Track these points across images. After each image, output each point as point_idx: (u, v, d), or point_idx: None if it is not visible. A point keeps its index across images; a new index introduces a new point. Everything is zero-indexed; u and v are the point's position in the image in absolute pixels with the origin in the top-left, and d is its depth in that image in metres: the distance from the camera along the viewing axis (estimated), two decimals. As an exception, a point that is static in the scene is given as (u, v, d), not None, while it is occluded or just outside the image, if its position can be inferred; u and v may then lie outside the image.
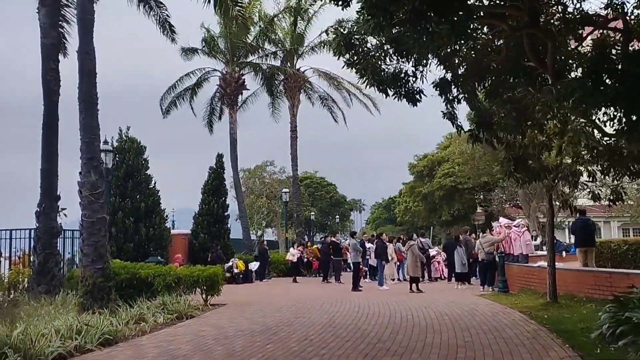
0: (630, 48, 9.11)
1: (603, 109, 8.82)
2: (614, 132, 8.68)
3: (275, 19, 34.49)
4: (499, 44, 10.43)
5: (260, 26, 34.63)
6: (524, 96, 10.39)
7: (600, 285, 12.85)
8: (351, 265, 23.98)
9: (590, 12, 9.73)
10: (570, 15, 9.48)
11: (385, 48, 9.24)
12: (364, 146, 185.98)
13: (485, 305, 13.43)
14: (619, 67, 7.76)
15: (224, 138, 34.13)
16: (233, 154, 33.88)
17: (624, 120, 8.76)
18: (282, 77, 36.08)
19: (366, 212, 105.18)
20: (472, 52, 10.33)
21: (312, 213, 57.83)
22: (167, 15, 19.18)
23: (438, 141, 52.92)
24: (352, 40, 9.48)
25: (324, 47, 35.94)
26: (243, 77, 34.80)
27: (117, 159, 23.44)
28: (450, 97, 9.85)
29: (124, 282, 13.94)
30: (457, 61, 10.28)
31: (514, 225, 17.87)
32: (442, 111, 10.17)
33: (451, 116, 10.11)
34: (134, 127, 30.72)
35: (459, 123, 10.18)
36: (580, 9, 9.48)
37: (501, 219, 19.69)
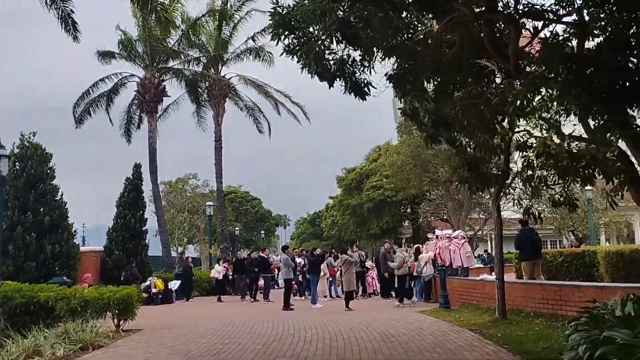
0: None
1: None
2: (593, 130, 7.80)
3: (199, 22, 32.73)
4: (450, 37, 9.54)
5: (182, 30, 32.76)
6: (479, 94, 9.51)
7: (549, 299, 12.15)
8: (279, 282, 22.68)
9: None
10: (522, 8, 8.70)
11: (331, 31, 8.03)
12: (290, 161, 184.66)
13: (431, 324, 12.41)
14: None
15: (144, 150, 31.94)
16: (152, 164, 31.66)
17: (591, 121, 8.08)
18: (206, 84, 34.27)
19: (291, 227, 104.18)
20: (419, 46, 9.33)
21: (236, 228, 55.84)
22: (71, 10, 16.97)
23: (366, 154, 52.66)
24: (293, 22, 8.22)
25: (251, 54, 34.57)
26: (164, 84, 32.70)
27: (16, 166, 20.90)
28: (406, 92, 8.77)
29: (17, 308, 11.90)
30: (407, 53, 9.25)
31: (454, 237, 17.09)
32: (399, 108, 9.09)
33: (413, 112, 9.03)
34: (52, 138, 28.09)
35: (421, 119, 9.13)
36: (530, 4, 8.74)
37: (439, 231, 18.94)
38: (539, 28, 9.04)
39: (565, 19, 8.69)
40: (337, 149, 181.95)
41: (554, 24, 8.87)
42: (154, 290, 23.36)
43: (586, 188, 32.14)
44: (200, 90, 34.84)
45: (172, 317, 17.06)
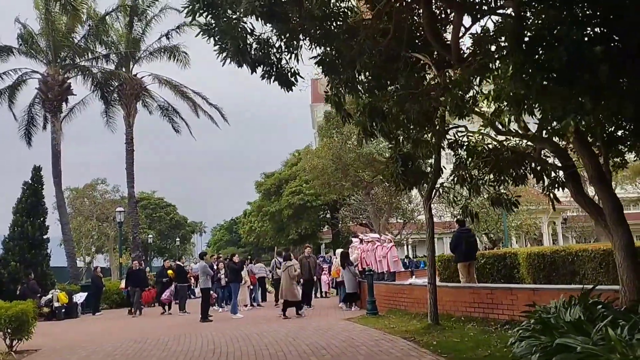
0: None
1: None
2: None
3: (108, 17, 30.77)
4: (385, 26, 8.91)
5: (90, 25, 30.65)
6: (417, 85, 8.93)
7: (480, 303, 11.80)
8: (195, 292, 21.33)
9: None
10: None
11: (255, 8, 7.13)
12: (207, 167, 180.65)
13: (361, 332, 11.72)
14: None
15: (49, 153, 29.46)
16: (56, 168, 29.28)
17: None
18: (117, 83, 32.21)
19: (207, 235, 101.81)
20: (349, 35, 8.63)
21: (150, 236, 53.37)
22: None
23: (284, 159, 51.95)
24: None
25: (165, 54, 32.94)
26: (69, 81, 30.39)
27: None
28: (337, 80, 8.03)
29: None
30: (337, 42, 8.52)
31: (381, 241, 16.57)
32: (325, 92, 8.33)
33: (337, 102, 8.29)
34: None
35: (346, 109, 8.41)
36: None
37: (364, 235, 18.41)
38: (471, 22, 8.61)
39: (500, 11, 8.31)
40: (256, 156, 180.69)
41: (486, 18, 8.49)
42: (56, 304, 21.35)
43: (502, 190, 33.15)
44: (110, 90, 32.71)
45: (76, 334, 15.42)
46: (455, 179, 10.56)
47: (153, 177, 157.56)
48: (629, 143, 8.21)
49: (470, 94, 8.28)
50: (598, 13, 6.29)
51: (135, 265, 22.57)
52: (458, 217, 14.20)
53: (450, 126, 9.89)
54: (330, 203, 40.56)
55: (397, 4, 8.74)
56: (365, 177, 29.55)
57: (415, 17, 9.38)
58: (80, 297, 22.77)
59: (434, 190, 11.60)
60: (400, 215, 38.37)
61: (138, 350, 11.11)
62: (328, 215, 45.26)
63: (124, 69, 31.87)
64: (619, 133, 8.14)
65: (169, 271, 21.23)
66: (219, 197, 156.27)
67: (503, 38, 6.01)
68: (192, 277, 24.95)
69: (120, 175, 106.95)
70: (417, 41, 9.30)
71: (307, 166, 30.92)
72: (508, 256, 17.51)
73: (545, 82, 5.77)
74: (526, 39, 5.85)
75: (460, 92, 7.59)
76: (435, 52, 9.58)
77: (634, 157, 9.25)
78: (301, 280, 17.15)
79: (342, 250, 18.24)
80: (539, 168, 9.60)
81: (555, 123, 6.42)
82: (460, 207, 10.81)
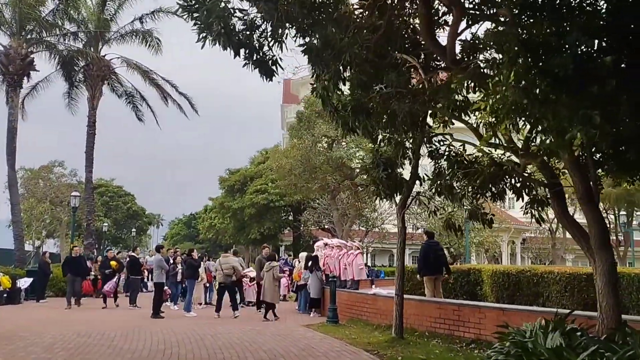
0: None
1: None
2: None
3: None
4: (375, 21, 8.42)
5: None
6: (406, 83, 8.47)
7: (446, 319, 11.41)
8: (148, 285, 20.43)
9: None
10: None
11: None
12: (169, 160, 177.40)
13: (321, 341, 11.19)
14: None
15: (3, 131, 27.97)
16: (10, 146, 27.86)
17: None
18: (84, 63, 30.95)
19: (164, 228, 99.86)
20: (337, 28, 8.11)
21: (105, 224, 51.73)
22: None
23: (251, 157, 51.10)
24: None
25: (136, 37, 31.83)
26: (32, 56, 29.00)
27: None
28: (323, 70, 7.50)
29: None
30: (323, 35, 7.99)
31: (348, 247, 16.07)
32: (311, 84, 7.80)
33: (324, 95, 7.76)
34: None
35: (333, 103, 7.88)
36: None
37: (329, 240, 17.90)
38: (465, 25, 8.21)
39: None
40: (221, 153, 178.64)
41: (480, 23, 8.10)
42: (-2, 289, 20.17)
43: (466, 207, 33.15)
44: (76, 69, 31.40)
45: (16, 322, 14.42)
46: (434, 188, 10.20)
47: (113, 166, 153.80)
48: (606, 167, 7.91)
49: (461, 98, 7.88)
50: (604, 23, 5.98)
51: (76, 251, 20.58)
52: (427, 229, 13.81)
53: (436, 132, 9.43)
54: (294, 205, 39.94)
55: (390, 0, 8.30)
56: (333, 181, 29.07)
57: (406, 17, 8.98)
58: (24, 283, 21.59)
59: (410, 199, 11.20)
60: (364, 223, 38.05)
61: (80, 345, 10.30)
62: (291, 218, 44.62)
63: (92, 49, 30.61)
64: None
65: (112, 262, 20.23)
66: (179, 191, 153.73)
67: (507, 44, 5.53)
68: (145, 270, 24.01)
69: (79, 161, 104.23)
70: (406, 41, 8.88)
71: (275, 165, 30.26)
72: (472, 272, 17.25)
73: (549, 91, 5.37)
74: (530, 45, 5.43)
75: (455, 96, 7.16)
76: (423, 56, 9.19)
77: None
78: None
79: (307, 253, 17.68)
80: (518, 185, 9.30)
81: (552, 138, 6.00)
82: (443, 218, 10.35)
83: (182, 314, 16.43)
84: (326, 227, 42.35)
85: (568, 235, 42.79)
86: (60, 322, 14.66)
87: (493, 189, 9.42)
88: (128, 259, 20.21)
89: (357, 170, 30.23)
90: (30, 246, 43.02)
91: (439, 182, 10.16)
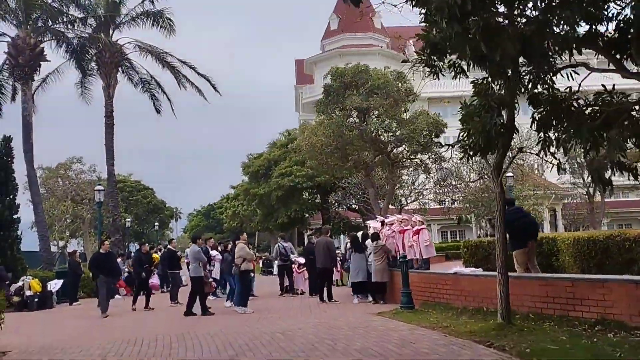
0: None
1: None
2: None
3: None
4: None
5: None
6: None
7: (555, 297, 9.67)
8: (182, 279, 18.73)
9: None
10: None
11: None
12: (181, 153, 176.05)
13: (412, 333, 9.50)
14: None
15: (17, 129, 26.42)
16: (27, 142, 26.40)
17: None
18: (95, 50, 29.29)
19: (183, 221, 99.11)
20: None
21: (127, 220, 50.50)
22: None
23: (269, 141, 49.44)
24: None
25: (148, 20, 30.11)
26: (42, 45, 27.41)
27: None
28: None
29: None
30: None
31: (411, 222, 14.33)
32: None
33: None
34: None
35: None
36: None
37: (392, 216, 16.16)
38: None
39: None
40: (230, 144, 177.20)
41: None
42: (28, 293, 18.82)
43: (508, 174, 31.30)
44: (88, 57, 29.76)
45: (53, 331, 12.96)
46: (540, 142, 8.41)
47: (127, 160, 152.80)
48: None
49: None
50: None
51: (105, 247, 16.86)
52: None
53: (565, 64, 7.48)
54: (322, 185, 38.33)
55: None
56: (368, 156, 27.31)
57: None
58: (55, 285, 20.25)
59: (505, 158, 9.39)
60: (396, 201, 36.34)
61: (137, 355, 8.74)
62: (318, 200, 43.00)
63: (102, 35, 28.92)
64: None
65: (155, 255, 18.60)
66: (192, 184, 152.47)
67: None
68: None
69: (96, 157, 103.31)
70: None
71: (304, 144, 28.50)
72: (545, 242, 15.55)
73: None
74: None
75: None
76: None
77: None
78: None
79: (363, 232, 15.95)
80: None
81: None
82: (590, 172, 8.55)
83: (231, 309, 14.83)
84: (354, 207, 40.74)
85: (606, 199, 40.67)
86: (101, 327, 13.21)
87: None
88: (165, 251, 18.69)
89: (391, 143, 28.49)
90: (54, 247, 41.82)
91: (545, 134, 8.41)
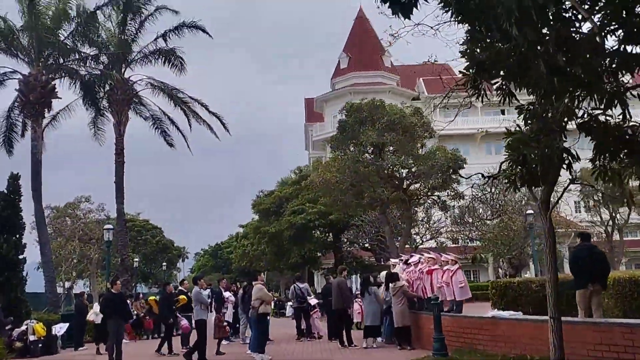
0: None
1: None
2: None
3: (99, 12, 27.73)
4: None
5: (78, 21, 27.61)
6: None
7: (611, 345, 8.72)
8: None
9: None
10: None
11: None
12: (187, 193, 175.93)
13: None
14: None
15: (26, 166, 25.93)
16: (36, 180, 25.86)
17: None
18: (107, 88, 29.00)
19: (190, 261, 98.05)
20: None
21: (135, 260, 49.60)
22: None
23: (278, 179, 48.98)
24: None
25: (160, 57, 29.86)
26: (53, 83, 27.15)
27: None
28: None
29: None
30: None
31: (443, 262, 13.44)
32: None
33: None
34: None
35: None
36: None
37: (416, 255, 15.30)
38: None
39: None
40: (238, 183, 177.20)
41: None
42: (32, 338, 17.77)
43: (528, 212, 30.37)
44: (99, 96, 29.47)
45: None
46: (596, 171, 7.63)
47: (135, 200, 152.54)
48: None
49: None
50: None
51: (117, 287, 14.87)
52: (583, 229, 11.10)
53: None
54: (335, 223, 37.46)
55: None
56: (384, 193, 26.53)
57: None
58: (60, 329, 19.23)
59: (553, 192, 8.59)
60: (411, 240, 35.37)
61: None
62: (330, 239, 42.05)
63: (114, 72, 28.67)
64: None
65: (182, 297, 17.40)
66: (198, 223, 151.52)
67: None
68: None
69: (105, 195, 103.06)
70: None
71: (318, 181, 27.84)
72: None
73: None
74: None
75: None
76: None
77: None
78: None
79: (387, 271, 15.11)
80: None
81: None
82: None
83: (246, 354, 13.85)
84: (367, 246, 39.75)
85: (625, 237, 39.51)
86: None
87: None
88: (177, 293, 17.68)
89: (407, 180, 27.80)
90: (60, 288, 40.88)
91: (598, 162, 7.63)
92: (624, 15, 5.12)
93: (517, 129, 7.10)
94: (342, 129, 26.92)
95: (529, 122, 7.80)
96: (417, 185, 27.53)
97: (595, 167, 7.69)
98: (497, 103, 7.57)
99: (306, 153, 72.22)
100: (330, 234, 41.34)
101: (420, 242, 35.16)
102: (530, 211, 29.68)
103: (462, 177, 8.40)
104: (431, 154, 25.83)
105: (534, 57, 5.23)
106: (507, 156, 7.72)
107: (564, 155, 7.01)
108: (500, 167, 9.01)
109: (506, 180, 8.04)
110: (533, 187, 8.27)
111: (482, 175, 8.76)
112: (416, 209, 30.72)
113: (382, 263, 35.36)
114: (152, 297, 21.27)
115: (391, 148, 26.33)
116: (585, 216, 44.86)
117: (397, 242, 29.10)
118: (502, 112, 60.02)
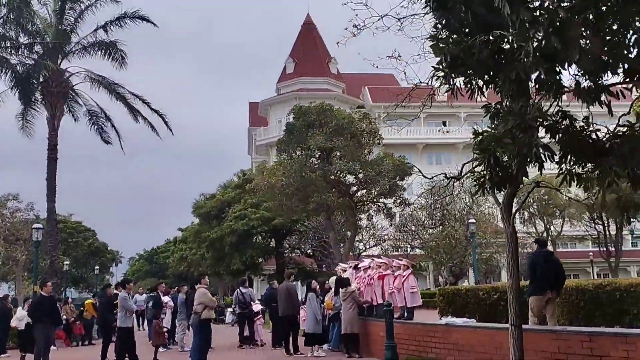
0: None
1: None
2: None
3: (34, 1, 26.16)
4: None
5: (11, 7, 25.92)
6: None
7: (569, 354, 8.54)
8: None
9: None
10: None
11: None
12: (121, 196, 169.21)
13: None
14: None
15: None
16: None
17: None
18: (41, 80, 27.31)
19: (124, 265, 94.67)
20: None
21: (65, 262, 47.20)
22: None
23: (219, 183, 47.78)
24: None
25: (99, 50, 28.42)
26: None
27: None
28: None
29: None
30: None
31: (394, 267, 13.06)
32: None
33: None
34: None
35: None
36: None
37: (362, 261, 14.92)
38: None
39: None
40: (175, 187, 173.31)
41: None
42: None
43: (470, 221, 30.72)
44: (32, 87, 27.70)
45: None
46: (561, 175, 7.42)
47: (68, 201, 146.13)
48: None
49: None
50: None
51: (48, 289, 13.66)
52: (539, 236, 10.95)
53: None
54: (278, 229, 36.82)
55: None
56: (331, 198, 26.15)
57: None
58: (-21, 335, 17.75)
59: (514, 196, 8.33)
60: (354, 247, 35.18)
61: None
62: (272, 244, 41.33)
63: (50, 63, 27.02)
64: None
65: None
66: (133, 227, 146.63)
67: None
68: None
69: (35, 195, 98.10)
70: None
71: (263, 184, 27.15)
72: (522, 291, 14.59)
73: None
74: None
75: None
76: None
77: None
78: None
79: (337, 276, 14.62)
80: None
81: None
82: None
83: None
84: (309, 252, 39.29)
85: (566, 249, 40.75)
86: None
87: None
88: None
89: (354, 186, 27.56)
90: (-19, 291, 38.35)
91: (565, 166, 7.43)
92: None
93: (481, 130, 6.80)
94: (289, 131, 26.39)
95: (495, 121, 7.56)
96: (364, 192, 27.29)
97: (561, 171, 7.50)
98: (466, 98, 7.24)
99: (249, 157, 71.26)
100: (273, 240, 40.63)
101: (364, 249, 35.03)
102: (472, 220, 30.07)
103: (425, 176, 8.02)
104: (379, 161, 25.66)
105: (525, 41, 4.87)
106: (476, 157, 7.41)
107: (542, 152, 6.71)
108: (461, 169, 8.74)
109: (475, 183, 7.74)
110: (501, 190, 8.03)
111: (445, 175, 8.42)
112: (361, 215, 30.51)
113: (324, 270, 35.00)
114: (89, 301, 19.96)
115: (338, 153, 26.01)
116: (521, 227, 46.11)
117: (341, 248, 28.75)
118: (444, 124, 61.47)
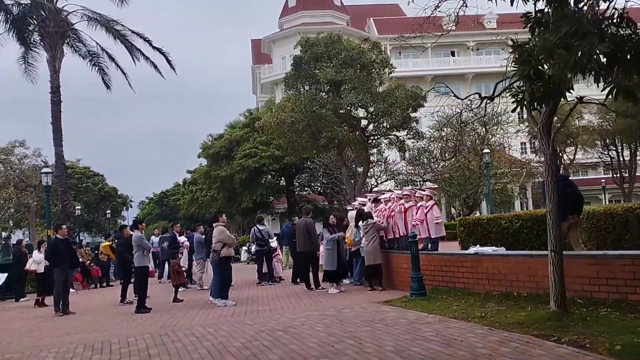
0: None
1: None
2: None
3: None
4: None
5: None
6: None
7: (609, 279, 8.21)
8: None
9: None
10: None
11: None
12: (129, 141, 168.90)
13: (446, 326, 7.84)
14: None
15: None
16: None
17: None
18: (39, 20, 26.31)
19: (134, 209, 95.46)
20: None
21: (77, 208, 47.32)
22: None
23: (226, 123, 47.06)
24: None
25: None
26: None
27: None
28: None
29: None
30: None
31: (417, 198, 12.64)
32: None
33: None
34: None
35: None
36: None
37: (380, 194, 14.50)
38: None
39: None
40: (181, 129, 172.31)
41: None
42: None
43: (485, 151, 30.16)
44: (30, 28, 26.75)
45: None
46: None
47: (73, 146, 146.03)
48: None
49: None
50: None
51: (63, 232, 13.77)
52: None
53: None
54: (288, 167, 36.45)
55: None
56: (342, 133, 25.54)
57: None
58: (-1, 279, 17.79)
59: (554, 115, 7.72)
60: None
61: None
62: (283, 183, 41.06)
63: (46, 1, 25.94)
64: None
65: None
66: (142, 172, 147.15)
67: None
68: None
69: (42, 141, 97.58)
70: None
71: (272, 122, 26.49)
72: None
73: None
74: None
75: None
76: None
77: None
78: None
79: (358, 209, 14.24)
80: None
81: None
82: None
83: (201, 301, 12.89)
84: (320, 190, 39.00)
85: (577, 176, 40.25)
86: (57, 329, 11.03)
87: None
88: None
89: (366, 119, 26.89)
90: (-4, 238, 38.65)
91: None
92: None
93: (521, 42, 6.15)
94: (297, 65, 25.49)
95: (536, 32, 6.87)
96: (375, 125, 26.62)
97: (609, 84, 6.88)
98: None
99: (254, 97, 70.11)
100: (283, 178, 40.32)
101: (376, 184, 34.68)
102: (487, 150, 29.50)
103: (458, 97, 7.40)
104: (391, 92, 24.85)
105: None
106: (515, 71, 6.78)
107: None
108: (494, 88, 8.14)
109: (513, 100, 7.13)
110: (542, 105, 7.40)
111: (479, 95, 7.83)
112: (372, 150, 29.97)
113: (336, 206, 34.82)
114: (106, 243, 19.83)
115: (348, 87, 25.19)
116: (533, 157, 45.46)
117: (354, 184, 28.38)
118: (452, 54, 59.87)
